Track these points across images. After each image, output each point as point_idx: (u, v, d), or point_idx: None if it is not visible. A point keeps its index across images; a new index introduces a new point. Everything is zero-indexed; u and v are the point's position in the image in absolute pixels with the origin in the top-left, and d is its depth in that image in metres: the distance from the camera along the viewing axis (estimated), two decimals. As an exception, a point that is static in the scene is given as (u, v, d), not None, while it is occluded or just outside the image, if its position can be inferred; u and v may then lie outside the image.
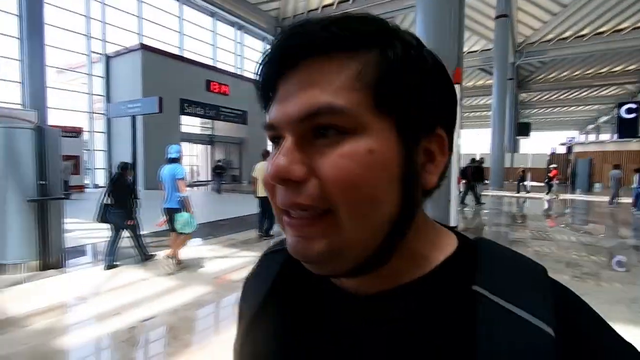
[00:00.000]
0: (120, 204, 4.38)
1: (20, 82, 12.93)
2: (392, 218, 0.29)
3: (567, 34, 21.73)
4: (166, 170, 4.42)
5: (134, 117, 11.22)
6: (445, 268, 0.32)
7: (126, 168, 4.54)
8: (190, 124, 18.91)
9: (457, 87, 5.63)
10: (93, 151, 16.16)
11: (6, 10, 13.00)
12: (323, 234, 0.28)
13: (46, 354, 2.50)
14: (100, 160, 16.37)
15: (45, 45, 13.30)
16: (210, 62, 20.08)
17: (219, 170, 15.05)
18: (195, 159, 20.80)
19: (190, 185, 5.48)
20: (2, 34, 12.85)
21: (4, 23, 12.84)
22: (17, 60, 13.05)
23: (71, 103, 15.74)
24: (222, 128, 20.08)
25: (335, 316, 0.34)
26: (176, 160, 4.44)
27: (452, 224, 6.33)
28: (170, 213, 4.40)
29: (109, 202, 4.36)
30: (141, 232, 4.70)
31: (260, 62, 0.32)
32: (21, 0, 12.76)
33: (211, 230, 6.75)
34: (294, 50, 0.29)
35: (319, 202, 0.28)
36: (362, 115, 0.28)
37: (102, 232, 5.81)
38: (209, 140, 20.56)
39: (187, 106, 16.71)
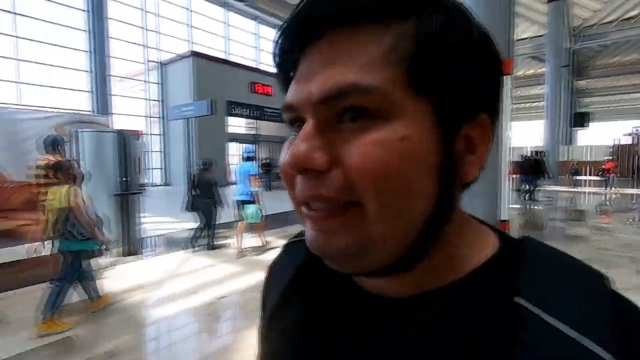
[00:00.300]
0: (205, 195, 4.98)
1: (89, 91, 14.43)
2: (426, 214, 0.26)
3: (632, 13, 19.89)
4: (242, 167, 4.96)
5: (188, 120, 12.09)
6: (484, 272, 0.28)
7: (210, 164, 5.17)
8: (236, 124, 19.81)
9: (507, 78, 5.50)
10: (150, 152, 17.50)
11: (76, 27, 14.41)
12: (346, 228, 0.26)
13: (142, 323, 2.95)
14: (156, 160, 17.71)
15: (110, 57, 14.68)
16: (254, 64, 20.88)
17: (267, 168, 15.71)
18: (240, 158, 21.80)
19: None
20: (73, 48, 14.26)
21: (72, 38, 14.26)
22: (86, 71, 14.52)
23: (131, 108, 17.14)
24: (266, 127, 20.80)
25: (354, 314, 0.32)
26: (251, 158, 4.96)
27: (503, 218, 6.18)
28: (242, 204, 4.90)
29: (195, 193, 4.98)
30: (216, 223, 5.23)
31: (277, 34, 0.28)
32: (89, 17, 14.20)
33: (265, 223, 7.17)
34: (315, 20, 0.25)
35: (343, 194, 0.25)
36: (394, 95, 0.24)
37: (167, 224, 6.44)
38: (253, 139, 21.41)
39: (234, 108, 17.53)
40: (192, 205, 5.02)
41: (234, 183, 7.06)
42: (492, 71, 0.28)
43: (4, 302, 3.39)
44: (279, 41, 0.28)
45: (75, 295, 3.08)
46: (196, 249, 5.03)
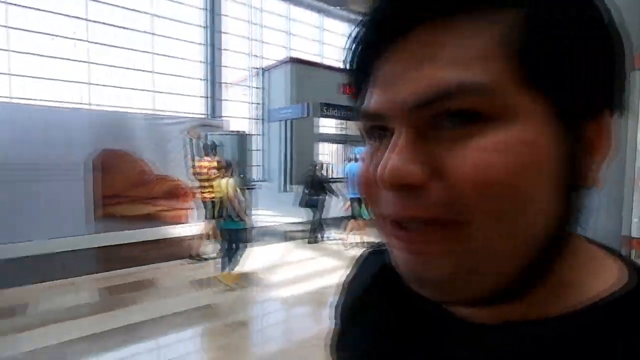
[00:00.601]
0: (316, 193, 5.55)
1: (205, 97, 16.63)
2: (547, 230, 0.23)
3: None
4: (355, 167, 5.35)
5: (286, 121, 13.06)
6: (609, 308, 0.23)
7: (320, 165, 5.76)
8: (326, 125, 20.58)
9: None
10: (251, 151, 19.28)
11: (195, 41, 16.66)
12: (448, 250, 0.22)
13: (260, 300, 3.43)
14: (255, 158, 19.45)
15: (222, 67, 16.67)
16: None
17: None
18: (329, 158, 22.55)
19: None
20: (190, 59, 16.53)
21: (192, 51, 16.51)
22: (202, 79, 16.75)
23: (236, 111, 19.16)
24: (353, 127, 21.12)
25: (433, 336, 0.29)
26: None
27: (634, 234, 5.32)
28: (356, 202, 5.28)
29: (308, 191, 5.57)
30: (321, 217, 5.72)
31: (353, 33, 0.25)
32: (207, 32, 16.35)
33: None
34: (404, 13, 0.22)
35: (446, 211, 0.22)
36: (508, 93, 0.21)
37: (270, 217, 7.12)
38: (342, 139, 21.93)
39: (326, 109, 18.25)
40: (306, 202, 5.57)
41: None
42: (619, 62, 0.23)
43: (154, 272, 4.23)
44: (357, 37, 0.25)
45: (212, 271, 3.73)
46: (313, 240, 5.58)
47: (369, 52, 0.25)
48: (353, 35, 0.25)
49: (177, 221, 6.21)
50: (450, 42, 0.22)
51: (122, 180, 5.79)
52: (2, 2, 10.99)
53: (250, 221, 3.85)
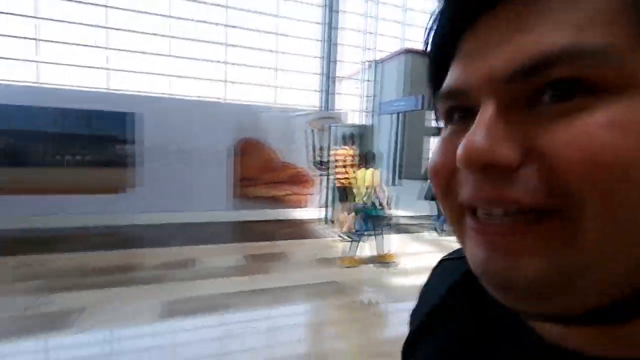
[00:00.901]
0: None
1: (320, 91, 17.57)
2: None
3: None
4: None
5: (398, 114, 12.90)
6: None
7: None
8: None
9: None
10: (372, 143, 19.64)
11: (312, 37, 17.62)
12: (543, 247, 0.19)
13: (374, 284, 3.60)
14: (363, 150, 19.75)
15: (337, 62, 17.32)
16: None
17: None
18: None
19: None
20: (307, 55, 17.55)
21: (309, 46, 17.51)
22: (318, 74, 17.71)
23: (347, 104, 19.70)
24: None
25: (505, 357, 0.26)
26: None
27: None
28: None
29: None
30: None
31: (436, 9, 0.23)
32: (324, 29, 17.16)
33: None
34: None
35: (546, 196, 0.18)
36: (632, 60, 0.17)
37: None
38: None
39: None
40: (432, 195, 5.63)
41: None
42: None
43: (284, 247, 4.78)
44: (440, 13, 0.23)
45: (339, 251, 4.06)
46: (436, 234, 5.61)
47: (452, 27, 0.22)
48: (436, 11, 0.23)
49: (297, 205, 6.87)
50: (552, 7, 0.18)
51: (255, 166, 6.66)
52: (162, 15, 13.47)
53: (390, 211, 4.07)
